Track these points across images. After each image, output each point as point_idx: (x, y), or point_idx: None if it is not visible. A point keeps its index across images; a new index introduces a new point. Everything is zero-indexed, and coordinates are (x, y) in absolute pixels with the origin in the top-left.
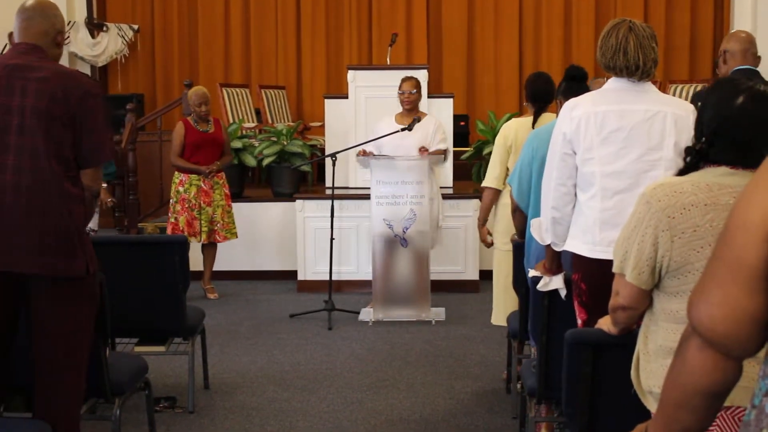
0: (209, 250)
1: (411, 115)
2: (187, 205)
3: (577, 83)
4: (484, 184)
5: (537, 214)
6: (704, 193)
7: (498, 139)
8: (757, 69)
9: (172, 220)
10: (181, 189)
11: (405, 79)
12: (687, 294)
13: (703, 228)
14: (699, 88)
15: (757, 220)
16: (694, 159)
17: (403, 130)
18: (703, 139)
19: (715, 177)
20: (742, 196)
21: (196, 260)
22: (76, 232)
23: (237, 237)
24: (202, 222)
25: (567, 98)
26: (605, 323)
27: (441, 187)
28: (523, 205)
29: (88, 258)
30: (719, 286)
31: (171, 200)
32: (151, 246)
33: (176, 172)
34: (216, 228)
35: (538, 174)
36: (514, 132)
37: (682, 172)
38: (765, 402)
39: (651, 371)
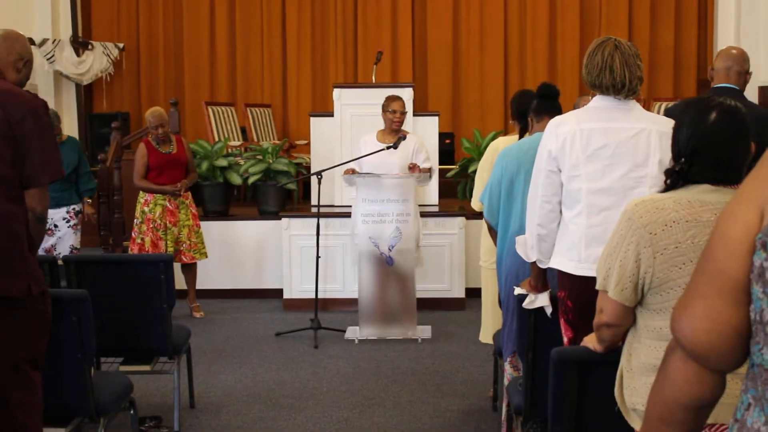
0: (188, 269)
1: (394, 133)
2: (152, 225)
3: (548, 101)
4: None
5: (506, 231)
6: (686, 209)
7: (487, 155)
8: (737, 87)
9: (138, 240)
10: (146, 209)
11: (394, 99)
12: (670, 311)
13: (684, 245)
14: (670, 105)
15: (738, 234)
16: (675, 180)
17: (388, 148)
18: (683, 160)
19: (696, 194)
20: (725, 210)
21: (179, 279)
22: (16, 251)
23: (207, 257)
24: (168, 242)
25: (538, 116)
26: (590, 341)
27: (427, 205)
28: (493, 223)
29: (32, 279)
30: (702, 299)
31: (135, 220)
32: (136, 264)
33: (140, 192)
34: (182, 248)
35: (506, 193)
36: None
37: (664, 191)
38: (746, 416)
39: (634, 388)
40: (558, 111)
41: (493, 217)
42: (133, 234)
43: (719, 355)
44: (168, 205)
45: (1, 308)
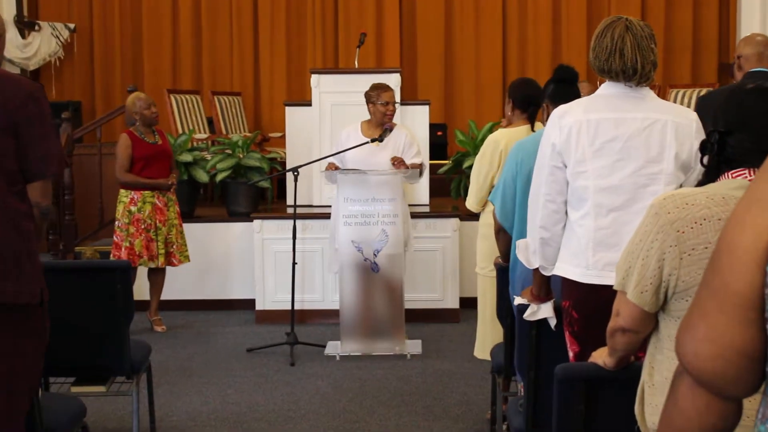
0: (157, 276)
1: (381, 126)
2: (142, 226)
3: (566, 86)
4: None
5: (523, 234)
6: (719, 206)
7: (485, 149)
8: None
9: (126, 244)
10: (133, 208)
11: (385, 89)
12: None
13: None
14: (703, 92)
15: (747, 242)
16: (714, 154)
17: (373, 141)
18: (718, 128)
19: (731, 190)
20: (732, 216)
21: (140, 288)
22: (26, 253)
23: (189, 260)
24: (159, 243)
25: (555, 103)
26: (600, 356)
27: (417, 205)
28: (507, 226)
29: (42, 283)
30: (705, 318)
31: (120, 221)
32: (89, 272)
33: (123, 190)
34: (172, 250)
35: (522, 191)
36: (505, 144)
37: (701, 183)
38: None
39: (656, 406)
40: (577, 97)
41: (507, 219)
42: (115, 238)
43: (728, 382)
44: (157, 202)
45: (4, 319)
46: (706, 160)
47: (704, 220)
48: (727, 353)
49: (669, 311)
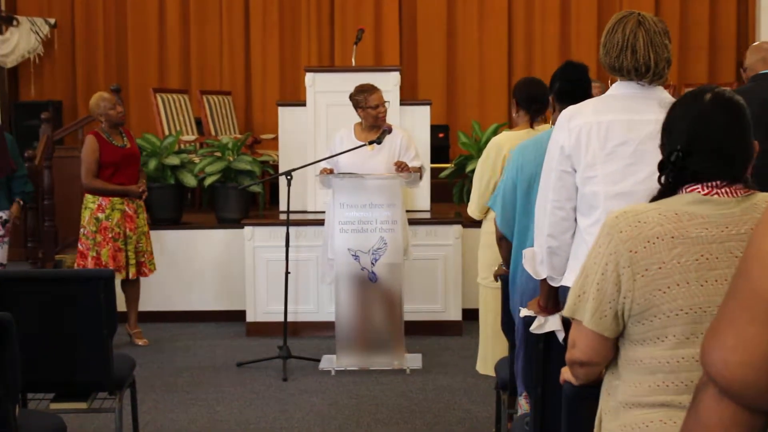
0: (131, 286)
1: (376, 129)
2: (110, 235)
3: (574, 84)
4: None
5: (523, 243)
6: (672, 223)
7: (488, 152)
8: None
9: (93, 254)
10: (101, 215)
11: (370, 90)
12: (654, 341)
13: (669, 264)
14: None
15: None
16: (672, 173)
17: (371, 144)
18: (678, 147)
19: (685, 205)
20: (763, 222)
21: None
22: None
23: (156, 269)
24: (129, 253)
25: (562, 103)
26: (568, 371)
27: (417, 211)
28: (507, 233)
29: None
30: (734, 326)
31: (85, 229)
32: (70, 282)
33: (89, 195)
34: (143, 260)
35: (523, 196)
36: (508, 147)
37: (656, 197)
38: None
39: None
40: (587, 97)
41: (507, 227)
42: (80, 247)
43: (757, 392)
44: (127, 209)
45: None
46: (663, 179)
47: (657, 238)
48: (758, 361)
49: (627, 335)
